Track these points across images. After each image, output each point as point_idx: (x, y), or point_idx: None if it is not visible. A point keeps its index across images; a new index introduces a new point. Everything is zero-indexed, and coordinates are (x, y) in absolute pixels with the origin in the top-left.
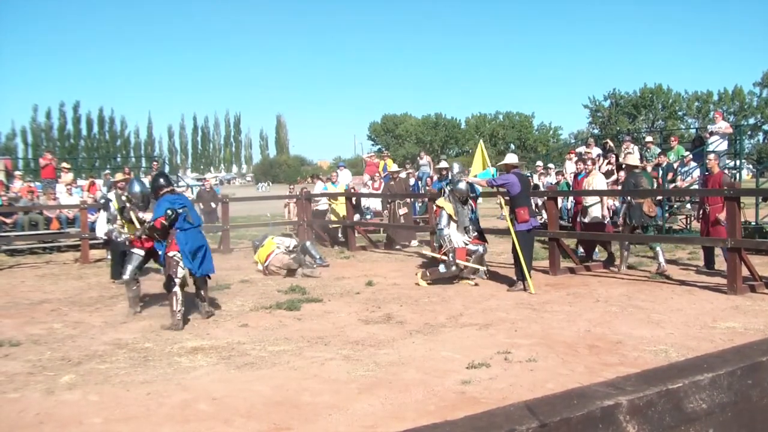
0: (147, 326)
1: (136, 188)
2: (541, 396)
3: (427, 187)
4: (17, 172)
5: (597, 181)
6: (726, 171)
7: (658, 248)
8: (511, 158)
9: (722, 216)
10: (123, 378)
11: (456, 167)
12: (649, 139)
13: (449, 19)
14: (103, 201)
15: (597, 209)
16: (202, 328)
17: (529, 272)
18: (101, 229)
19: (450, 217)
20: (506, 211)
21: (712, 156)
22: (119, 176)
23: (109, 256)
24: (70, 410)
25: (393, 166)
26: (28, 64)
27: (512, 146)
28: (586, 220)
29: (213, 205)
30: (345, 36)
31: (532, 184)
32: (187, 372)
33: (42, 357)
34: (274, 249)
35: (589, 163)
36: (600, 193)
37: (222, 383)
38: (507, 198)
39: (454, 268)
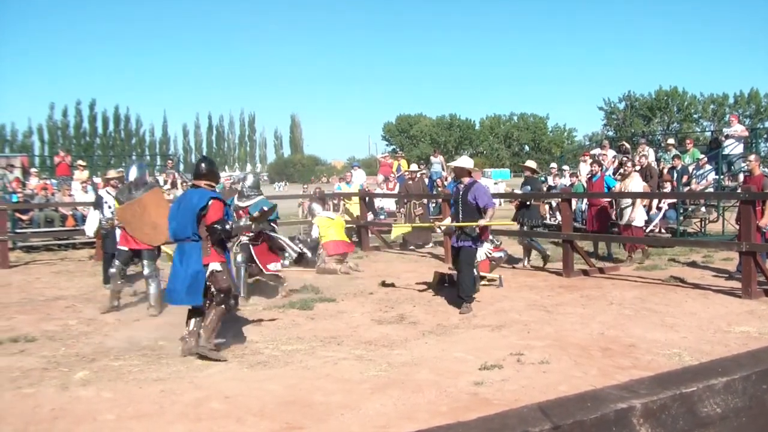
0: (161, 324)
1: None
2: (554, 398)
3: (440, 188)
4: (33, 170)
5: (634, 183)
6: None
7: (539, 246)
8: (466, 162)
9: (763, 222)
10: (136, 375)
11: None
12: (670, 141)
13: (464, 19)
14: (95, 199)
15: (633, 211)
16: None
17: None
18: (91, 228)
19: None
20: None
21: (753, 157)
22: (112, 173)
23: None
24: (83, 406)
25: (413, 166)
26: (45, 62)
27: (526, 147)
28: (621, 222)
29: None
30: (360, 36)
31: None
32: (200, 370)
33: (57, 353)
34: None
35: (629, 165)
36: (614, 196)
37: (235, 382)
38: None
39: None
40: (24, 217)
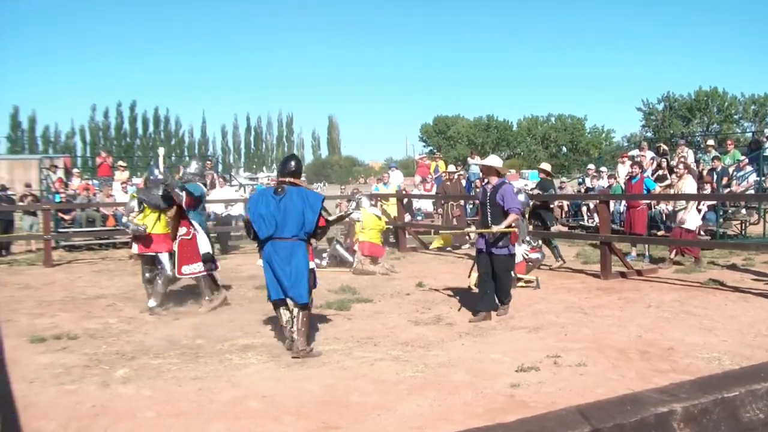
0: (199, 323)
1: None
2: (593, 401)
3: (477, 189)
4: (75, 170)
5: (687, 185)
6: None
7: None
8: (495, 161)
9: None
10: (175, 373)
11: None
12: (710, 142)
13: (502, 20)
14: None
15: (686, 213)
16: (252, 326)
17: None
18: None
19: None
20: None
21: None
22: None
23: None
24: (124, 404)
25: (450, 167)
26: (87, 64)
27: (564, 149)
28: (673, 225)
29: None
30: (397, 37)
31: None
32: (238, 369)
33: (98, 351)
34: None
35: (681, 167)
36: (651, 197)
37: (272, 381)
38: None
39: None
40: (66, 217)
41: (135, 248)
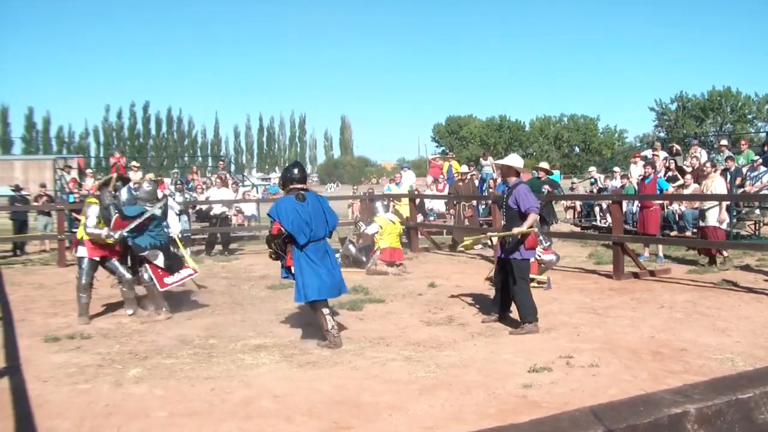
0: (211, 323)
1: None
2: (606, 402)
3: (490, 189)
4: (89, 170)
5: (717, 184)
6: None
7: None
8: (515, 160)
9: None
10: (187, 373)
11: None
12: (723, 142)
13: (514, 20)
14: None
15: (715, 213)
16: (265, 326)
17: (535, 311)
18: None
19: None
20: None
21: None
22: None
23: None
24: (136, 403)
25: (463, 167)
26: (101, 65)
27: (576, 149)
28: (702, 224)
29: None
30: (409, 37)
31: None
32: (250, 369)
33: (111, 350)
34: None
35: (708, 166)
36: (663, 198)
37: (284, 381)
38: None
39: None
40: (80, 217)
41: (83, 251)
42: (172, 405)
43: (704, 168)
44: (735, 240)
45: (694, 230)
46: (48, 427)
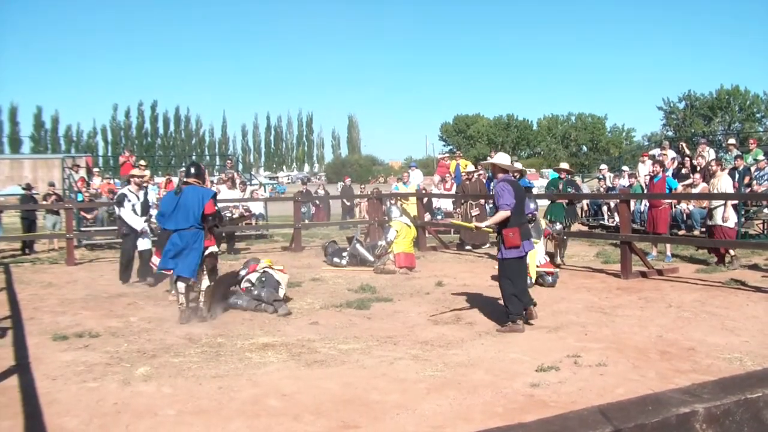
0: (218, 322)
1: None
2: (614, 401)
3: None
4: (95, 169)
5: (723, 182)
6: None
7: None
8: (501, 158)
9: None
10: (195, 372)
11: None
12: (731, 141)
13: (521, 19)
14: (118, 196)
15: (725, 211)
16: (273, 325)
17: (519, 309)
18: (138, 223)
19: None
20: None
21: None
22: (137, 171)
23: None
24: (145, 401)
25: (469, 167)
26: (110, 64)
27: (584, 148)
28: (710, 223)
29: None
30: (417, 36)
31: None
32: (258, 368)
33: (119, 349)
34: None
35: (713, 164)
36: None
37: (292, 380)
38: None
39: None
40: (89, 216)
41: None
42: (180, 403)
43: (711, 166)
44: (743, 239)
45: (703, 229)
46: (57, 424)
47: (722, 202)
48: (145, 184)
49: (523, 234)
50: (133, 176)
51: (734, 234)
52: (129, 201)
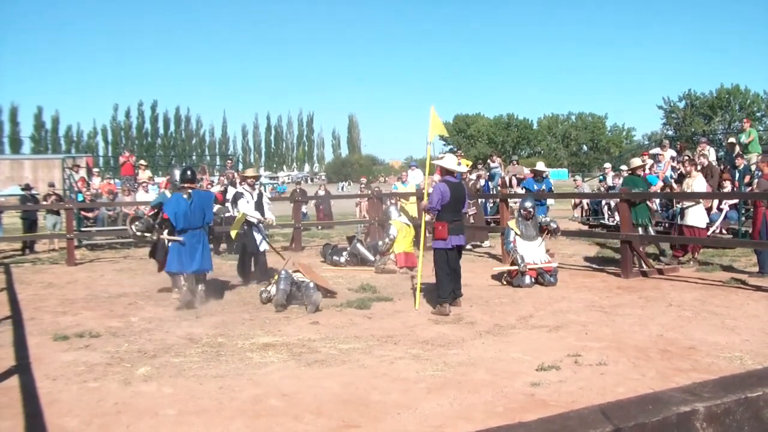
0: (219, 322)
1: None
2: (614, 400)
3: (499, 188)
4: (95, 170)
5: (697, 183)
6: None
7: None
8: (448, 161)
9: None
10: (196, 372)
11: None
12: (731, 140)
13: (522, 19)
14: (235, 195)
15: (695, 212)
16: (273, 325)
17: (446, 294)
18: (256, 216)
19: (516, 233)
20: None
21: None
22: (250, 171)
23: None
24: (145, 401)
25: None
26: (110, 65)
27: (584, 147)
28: (680, 222)
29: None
30: (417, 37)
31: (473, 191)
32: (259, 368)
33: (120, 349)
34: None
35: (687, 165)
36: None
37: (292, 379)
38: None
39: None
40: (90, 215)
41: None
42: (180, 403)
43: (686, 167)
44: (743, 238)
45: (666, 225)
46: (57, 424)
47: (693, 202)
48: (257, 185)
49: (453, 230)
50: (247, 177)
51: (705, 234)
52: (245, 199)
